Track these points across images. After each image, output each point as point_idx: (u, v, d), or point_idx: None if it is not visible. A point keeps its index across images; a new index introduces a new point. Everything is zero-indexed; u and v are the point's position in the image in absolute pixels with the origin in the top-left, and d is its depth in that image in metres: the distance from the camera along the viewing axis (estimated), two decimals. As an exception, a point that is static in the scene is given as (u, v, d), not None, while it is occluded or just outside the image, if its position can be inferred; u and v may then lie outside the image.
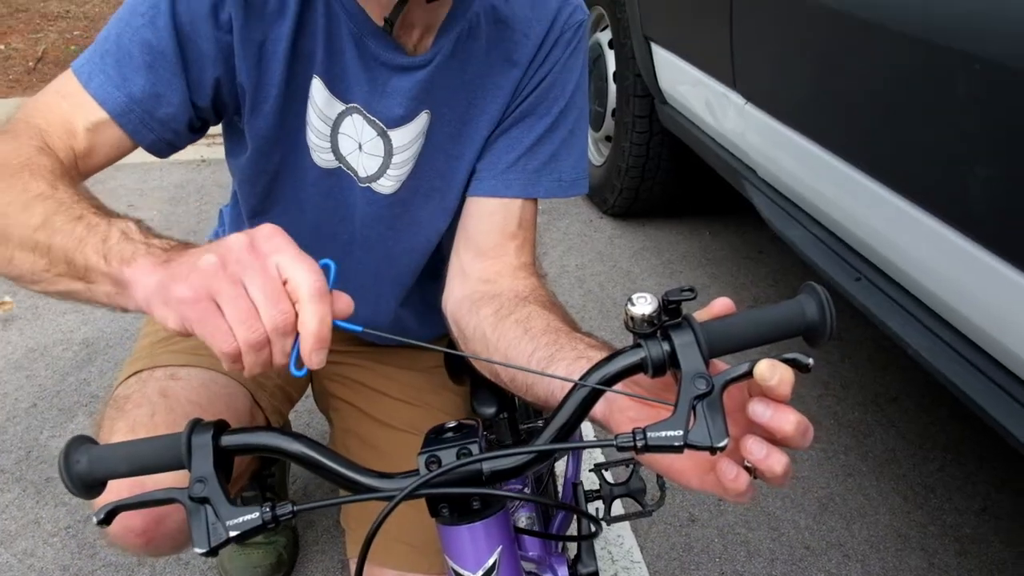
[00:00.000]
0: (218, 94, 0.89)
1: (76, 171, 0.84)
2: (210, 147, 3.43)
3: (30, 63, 4.74)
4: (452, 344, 0.99)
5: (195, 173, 3.38)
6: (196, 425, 0.62)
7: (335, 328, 0.60)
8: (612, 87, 2.87)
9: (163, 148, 0.90)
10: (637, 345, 0.60)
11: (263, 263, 0.58)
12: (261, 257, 0.58)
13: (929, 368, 1.20)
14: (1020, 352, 1.06)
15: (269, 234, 0.59)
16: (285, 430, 0.65)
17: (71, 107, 0.85)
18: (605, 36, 2.95)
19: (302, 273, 0.57)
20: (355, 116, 0.93)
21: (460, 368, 1.14)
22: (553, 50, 0.95)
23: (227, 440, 0.62)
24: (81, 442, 0.63)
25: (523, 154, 0.97)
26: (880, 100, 1.29)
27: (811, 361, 0.58)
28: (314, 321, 0.57)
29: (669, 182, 2.80)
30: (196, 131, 0.92)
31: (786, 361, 0.57)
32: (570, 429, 0.63)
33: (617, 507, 1.56)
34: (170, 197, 3.16)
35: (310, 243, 1.05)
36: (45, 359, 2.17)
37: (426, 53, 0.91)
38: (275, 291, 0.57)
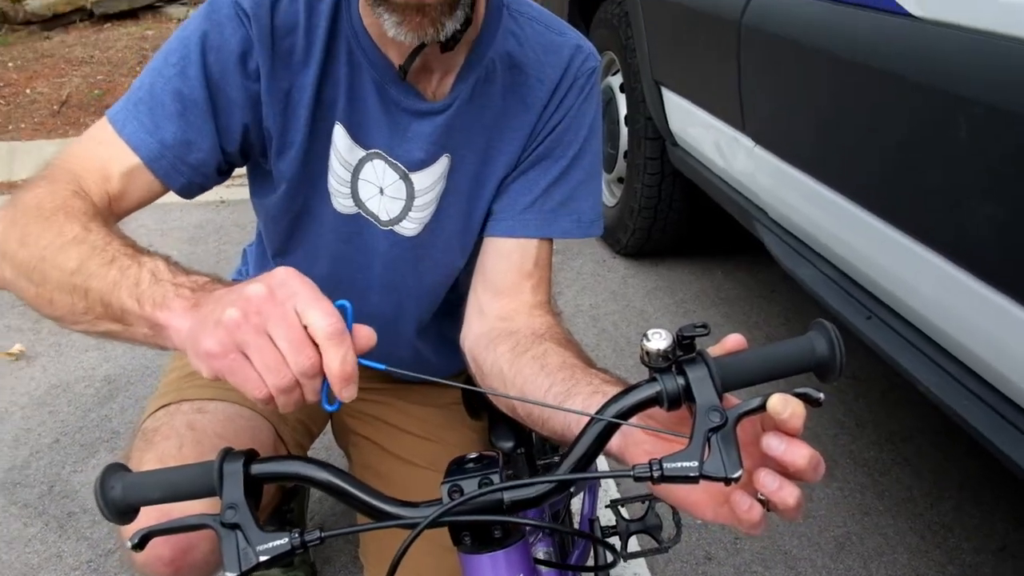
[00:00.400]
0: (246, 139, 0.93)
1: (110, 213, 0.88)
2: (229, 188, 3.50)
3: (54, 107, 4.86)
4: (470, 379, 1.01)
5: (214, 213, 3.45)
6: (228, 453, 0.65)
7: (359, 365, 0.63)
8: (624, 130, 2.92)
9: (192, 190, 0.93)
10: (653, 379, 0.63)
11: (283, 311, 0.60)
12: (280, 305, 0.60)
13: (940, 404, 1.21)
14: (1030, 389, 1.08)
15: (284, 279, 0.62)
16: (312, 459, 0.68)
17: (106, 153, 0.89)
18: (616, 80, 3.01)
19: (319, 317, 0.59)
20: (376, 161, 0.96)
21: (478, 403, 1.16)
22: (567, 96, 0.98)
23: (257, 468, 0.65)
24: (116, 469, 0.65)
25: (539, 196, 1.00)
26: (885, 141, 1.33)
27: (822, 396, 0.60)
28: (336, 363, 0.59)
29: (681, 222, 2.83)
30: (223, 173, 0.96)
31: (798, 395, 0.59)
32: (588, 461, 0.65)
33: (633, 544, 1.56)
34: (189, 237, 3.22)
35: (331, 284, 1.08)
36: (67, 395, 2.21)
37: (445, 99, 0.94)
38: (298, 337, 0.59)
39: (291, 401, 0.62)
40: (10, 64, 5.36)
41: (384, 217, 1.00)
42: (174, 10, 6.65)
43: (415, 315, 1.11)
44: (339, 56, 0.91)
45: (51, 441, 2.01)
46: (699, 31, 2.09)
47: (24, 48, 5.67)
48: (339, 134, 0.94)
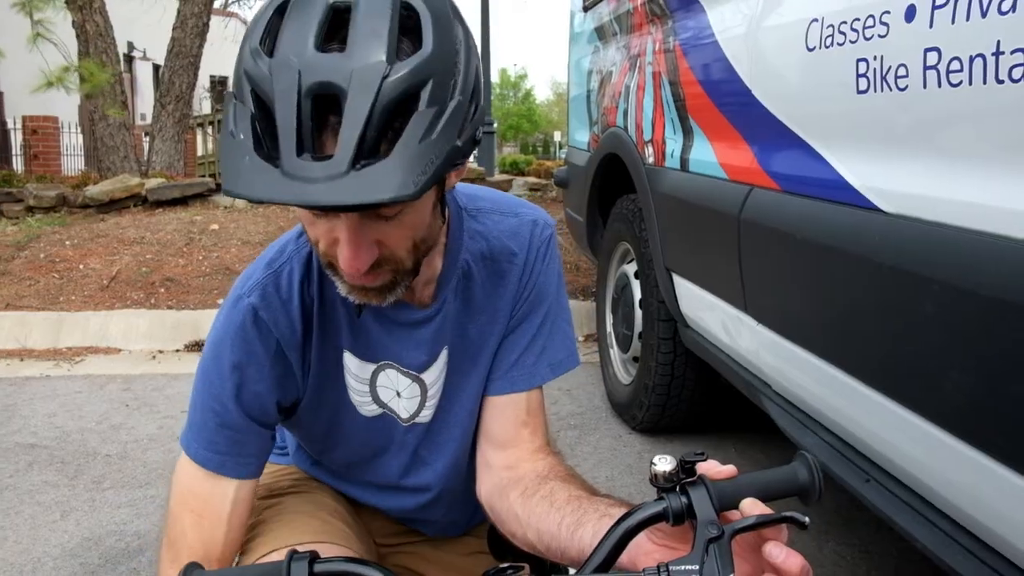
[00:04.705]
0: (279, 406, 1.06)
1: (223, 545, 1.00)
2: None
3: (104, 282, 5.18)
4: (493, 527, 1.12)
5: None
6: (294, 554, 0.77)
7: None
8: (638, 313, 3.12)
9: (261, 468, 1.06)
10: (660, 498, 0.75)
11: None
12: None
13: (939, 562, 1.28)
14: (1016, 542, 1.16)
15: None
16: (371, 562, 0.78)
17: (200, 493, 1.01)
18: (631, 268, 3.25)
19: None
20: (388, 370, 1.08)
21: (502, 546, 1.25)
22: (535, 266, 1.11)
23: (320, 567, 0.76)
24: (192, 568, 0.77)
25: (521, 353, 1.11)
26: (868, 318, 1.49)
27: (807, 519, 0.72)
28: None
29: (694, 399, 2.96)
30: (273, 439, 1.08)
31: (785, 518, 0.71)
32: (606, 567, 0.76)
33: None
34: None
35: (368, 465, 1.18)
36: (99, 548, 2.27)
37: (434, 304, 1.06)
38: None
39: None
40: (67, 242, 5.77)
41: (405, 415, 1.11)
42: (221, 198, 7.19)
43: (442, 483, 1.19)
44: (335, 298, 1.03)
45: (80, 593, 2.06)
46: (705, 224, 2.33)
47: (81, 228, 6.11)
48: (349, 358, 1.07)
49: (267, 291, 1.01)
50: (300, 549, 0.78)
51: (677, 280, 2.64)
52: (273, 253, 1.04)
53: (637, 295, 3.14)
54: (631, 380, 3.22)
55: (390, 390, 1.09)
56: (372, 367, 1.07)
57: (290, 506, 1.16)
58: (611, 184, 3.46)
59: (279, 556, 1.09)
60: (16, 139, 11.90)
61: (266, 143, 0.71)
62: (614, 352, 3.50)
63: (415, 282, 1.02)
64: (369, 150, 0.69)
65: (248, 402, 1.00)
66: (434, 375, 1.09)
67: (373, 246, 0.82)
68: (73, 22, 8.09)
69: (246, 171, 0.69)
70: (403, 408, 1.10)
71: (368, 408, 1.10)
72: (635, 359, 3.17)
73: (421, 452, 1.15)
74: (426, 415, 1.11)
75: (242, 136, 0.71)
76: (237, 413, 1.00)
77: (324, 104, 0.70)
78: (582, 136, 4.01)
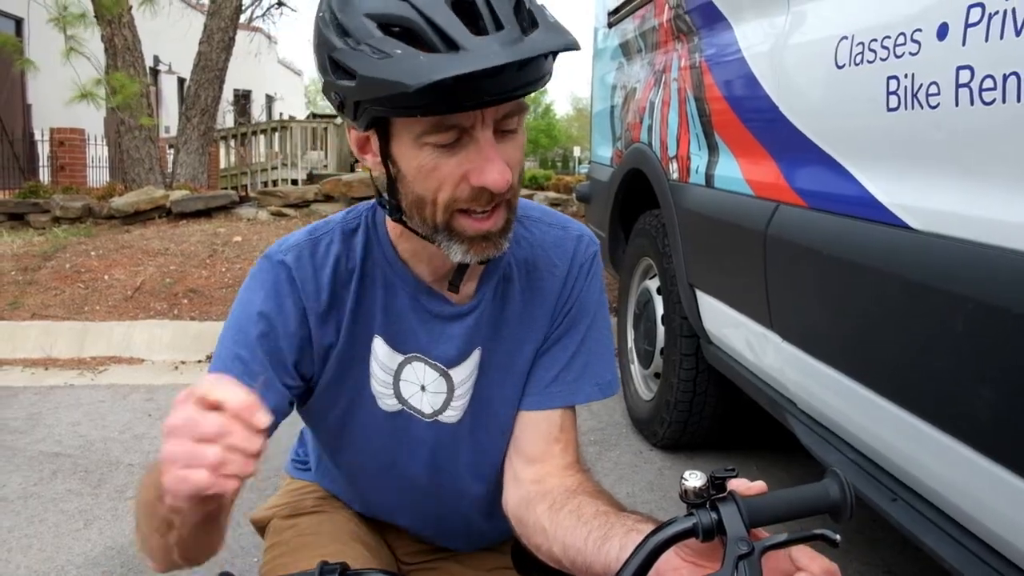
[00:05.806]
0: (299, 371, 1.05)
1: None
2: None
3: (128, 292, 5.24)
4: (516, 543, 1.11)
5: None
6: (325, 565, 0.77)
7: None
8: (660, 328, 3.11)
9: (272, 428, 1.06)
10: (690, 514, 0.75)
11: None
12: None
13: (968, 585, 1.27)
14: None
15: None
16: (397, 574, 0.79)
17: None
18: (654, 283, 3.24)
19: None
20: (415, 363, 1.08)
21: (527, 562, 1.25)
22: (576, 281, 1.12)
23: (351, 579, 0.76)
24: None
25: (561, 369, 1.11)
26: (897, 335, 1.48)
27: (839, 537, 0.71)
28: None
29: (716, 416, 2.94)
30: (291, 404, 1.07)
31: (817, 536, 0.71)
32: (637, 582, 0.75)
33: None
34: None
35: (382, 472, 1.18)
36: (121, 557, 2.29)
37: (471, 301, 1.07)
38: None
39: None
40: (92, 253, 5.84)
41: (428, 411, 1.11)
42: (244, 211, 7.27)
43: (464, 492, 1.19)
44: (375, 280, 1.04)
45: (102, 601, 2.07)
46: (730, 240, 2.32)
47: (106, 239, 6.18)
48: (379, 344, 1.07)
49: (302, 254, 1.03)
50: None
51: (700, 296, 2.63)
52: (318, 224, 1.08)
53: (659, 311, 3.13)
54: (652, 396, 3.20)
55: (414, 385, 1.08)
56: (400, 358, 1.07)
57: (310, 528, 1.17)
58: (634, 200, 3.46)
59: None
60: (43, 151, 12.09)
61: (426, 45, 0.78)
62: (635, 368, 3.49)
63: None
64: (525, 25, 0.81)
65: (271, 351, 1.01)
66: (463, 374, 1.09)
67: (506, 166, 0.87)
68: (102, 36, 8.24)
69: (428, 65, 0.76)
70: (427, 404, 1.10)
71: (388, 402, 1.09)
72: (656, 375, 3.16)
73: (443, 457, 1.14)
74: (451, 415, 1.11)
75: (399, 51, 0.77)
76: (262, 361, 0.99)
77: (458, 10, 0.80)
78: (605, 151, 4.01)
